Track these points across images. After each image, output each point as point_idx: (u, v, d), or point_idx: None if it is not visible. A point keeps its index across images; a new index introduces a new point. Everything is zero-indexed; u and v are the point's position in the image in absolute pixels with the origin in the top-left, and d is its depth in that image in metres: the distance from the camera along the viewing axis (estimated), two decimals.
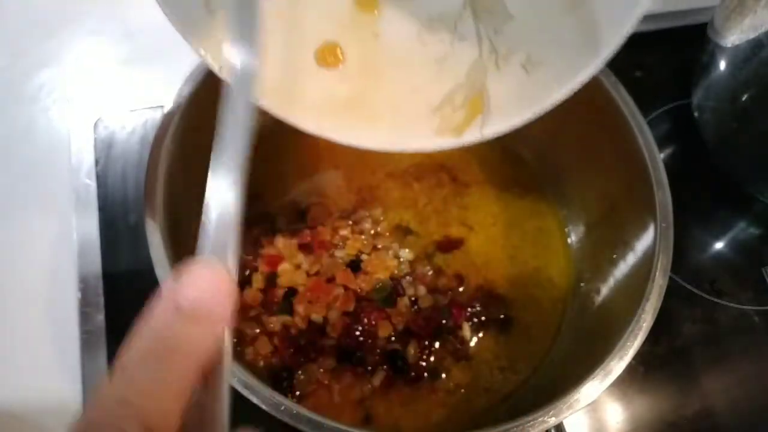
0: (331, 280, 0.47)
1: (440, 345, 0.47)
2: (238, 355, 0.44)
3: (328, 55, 0.37)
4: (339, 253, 0.48)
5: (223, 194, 0.26)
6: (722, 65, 0.53)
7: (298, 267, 0.48)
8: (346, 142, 0.36)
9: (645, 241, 0.42)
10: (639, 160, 0.43)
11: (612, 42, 0.32)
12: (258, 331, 0.45)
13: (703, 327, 0.51)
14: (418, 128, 0.36)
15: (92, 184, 0.52)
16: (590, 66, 0.33)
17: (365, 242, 0.49)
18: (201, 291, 0.20)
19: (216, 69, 0.35)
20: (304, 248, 0.49)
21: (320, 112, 0.36)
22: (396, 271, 0.48)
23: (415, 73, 0.37)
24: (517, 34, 0.35)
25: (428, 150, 0.37)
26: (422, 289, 0.48)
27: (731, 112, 0.53)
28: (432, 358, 0.46)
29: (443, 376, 0.46)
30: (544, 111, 0.35)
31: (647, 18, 0.69)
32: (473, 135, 0.36)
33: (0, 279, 0.50)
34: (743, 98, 0.51)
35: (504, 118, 0.35)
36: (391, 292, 0.47)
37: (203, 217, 0.24)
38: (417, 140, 0.36)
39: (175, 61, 0.40)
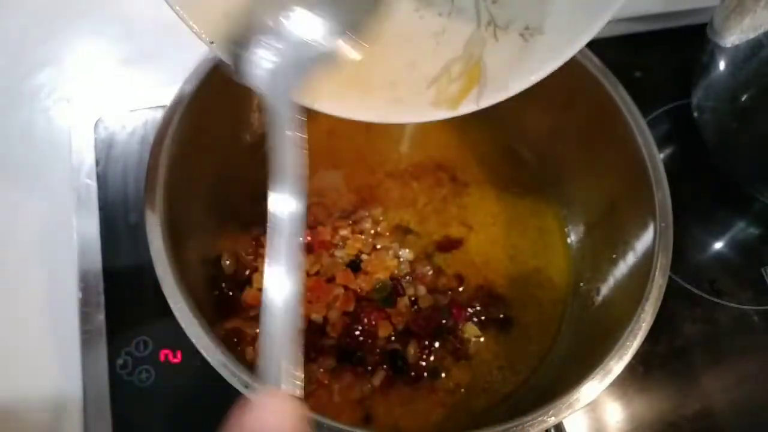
0: (331, 280, 0.47)
1: (440, 345, 0.47)
2: (238, 355, 0.44)
3: None
4: (339, 253, 0.48)
5: (282, 291, 0.25)
6: (722, 65, 0.53)
7: None
8: (339, 115, 0.36)
9: (645, 241, 0.42)
10: (639, 160, 0.43)
11: (609, 7, 0.32)
12: (258, 331, 0.45)
13: (703, 327, 0.51)
14: (413, 100, 0.36)
15: (93, 184, 0.52)
16: (587, 33, 0.33)
17: (365, 242, 0.49)
18: (267, 426, 0.20)
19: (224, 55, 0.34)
20: (304, 248, 0.49)
21: (313, 85, 0.36)
22: (396, 271, 0.48)
23: (411, 48, 0.36)
24: (516, 3, 0.35)
25: (423, 121, 0.36)
26: (422, 289, 0.48)
27: (731, 112, 0.53)
28: (432, 358, 0.46)
29: (443, 375, 0.46)
30: (540, 79, 0.34)
31: (647, 18, 0.69)
32: (469, 106, 0.35)
33: (0, 279, 0.50)
34: (743, 98, 0.51)
35: (500, 88, 0.35)
36: (391, 292, 0.47)
37: (262, 321, 0.24)
38: (412, 112, 0.36)
39: (175, 61, 0.40)
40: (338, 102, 0.36)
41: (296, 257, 0.26)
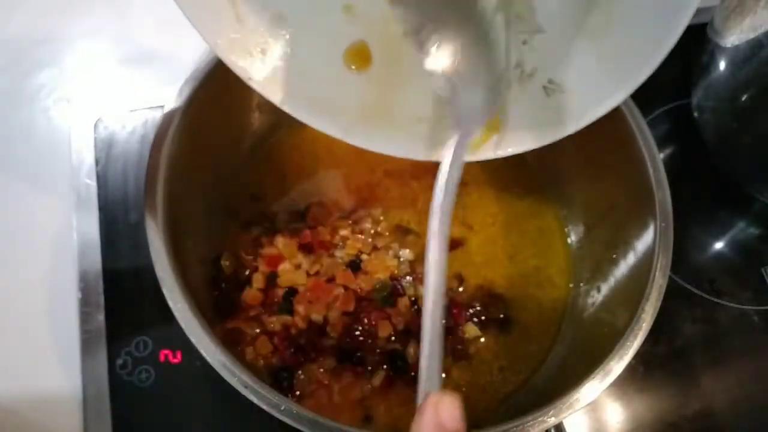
0: (331, 280, 0.47)
1: None
2: (238, 355, 0.44)
3: (357, 59, 0.36)
4: (339, 253, 0.48)
5: (430, 319, 0.30)
6: (722, 65, 0.53)
7: (298, 267, 0.48)
8: (368, 148, 0.36)
9: (645, 241, 0.42)
10: (639, 160, 0.43)
11: (633, 80, 0.33)
12: (258, 331, 0.45)
13: (703, 327, 0.51)
14: (436, 139, 0.36)
15: (92, 183, 0.52)
16: (605, 104, 0.34)
17: (365, 242, 0.49)
18: (456, 420, 0.26)
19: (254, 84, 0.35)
20: (304, 248, 0.49)
21: (344, 116, 0.36)
22: (396, 271, 0.48)
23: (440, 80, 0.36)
24: (543, 51, 0.35)
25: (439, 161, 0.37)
26: (422, 289, 0.48)
27: (731, 112, 0.53)
28: None
29: (443, 375, 0.46)
30: (557, 139, 0.35)
31: None
32: (486, 153, 0.36)
33: (0, 279, 0.50)
34: (743, 98, 0.51)
35: (519, 142, 0.36)
36: (391, 292, 0.47)
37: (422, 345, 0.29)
38: (434, 151, 0.37)
39: (175, 61, 0.40)
40: (366, 135, 0.36)
41: (444, 256, 0.33)
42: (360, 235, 0.50)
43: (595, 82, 0.34)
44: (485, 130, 0.36)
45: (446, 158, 0.32)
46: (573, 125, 0.35)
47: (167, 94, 0.42)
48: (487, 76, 0.35)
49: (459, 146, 0.33)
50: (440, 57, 0.34)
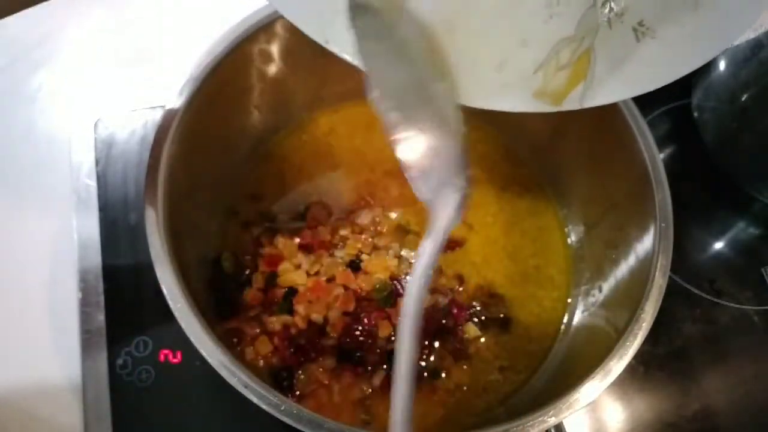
0: (331, 280, 0.47)
1: (440, 345, 0.47)
2: (238, 355, 0.44)
3: None
4: (339, 253, 0.48)
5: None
6: (722, 65, 0.53)
7: (298, 267, 0.48)
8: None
9: (645, 241, 0.42)
10: (639, 160, 0.43)
11: (726, 38, 0.31)
12: (258, 331, 0.45)
13: (703, 327, 0.51)
14: (519, 87, 0.35)
15: (92, 184, 0.52)
16: (700, 58, 0.32)
17: (365, 242, 0.49)
18: None
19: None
20: (304, 248, 0.49)
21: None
22: (396, 271, 0.48)
23: (523, 21, 0.34)
24: None
25: (523, 111, 0.35)
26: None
27: (731, 112, 0.53)
28: (432, 358, 0.46)
29: (443, 375, 0.46)
30: (645, 91, 0.34)
31: None
32: (572, 104, 0.35)
33: (1, 279, 0.50)
34: (743, 98, 0.51)
35: (605, 90, 0.34)
36: (391, 292, 0.47)
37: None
38: (515, 100, 0.35)
39: (175, 61, 0.40)
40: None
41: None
42: (360, 235, 0.50)
43: (688, 32, 0.32)
44: (572, 77, 0.34)
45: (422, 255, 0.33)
46: (662, 78, 0.33)
47: (167, 94, 0.42)
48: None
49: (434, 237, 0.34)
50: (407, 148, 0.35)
